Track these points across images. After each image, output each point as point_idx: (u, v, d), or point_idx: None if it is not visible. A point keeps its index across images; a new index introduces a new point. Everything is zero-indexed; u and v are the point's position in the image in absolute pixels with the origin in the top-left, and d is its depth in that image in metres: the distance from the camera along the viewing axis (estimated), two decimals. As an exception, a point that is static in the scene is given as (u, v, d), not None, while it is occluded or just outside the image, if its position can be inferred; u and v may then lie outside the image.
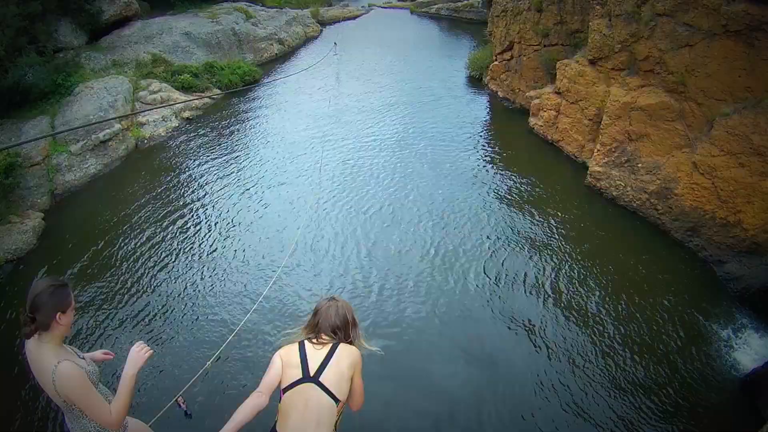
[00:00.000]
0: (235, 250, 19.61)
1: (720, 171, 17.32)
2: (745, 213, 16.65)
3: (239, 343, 15.31)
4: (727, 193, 17.15)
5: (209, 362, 12.88)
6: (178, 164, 25.55)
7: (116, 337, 15.92)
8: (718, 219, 17.50)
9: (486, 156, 25.77)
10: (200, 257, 19.33)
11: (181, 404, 13.33)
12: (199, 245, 19.99)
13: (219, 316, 16.69)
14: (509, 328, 16.04)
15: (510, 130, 27.88)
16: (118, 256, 19.46)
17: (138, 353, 5.80)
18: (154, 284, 18.15)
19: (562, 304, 16.98)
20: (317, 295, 17.10)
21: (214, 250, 19.67)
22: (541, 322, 16.37)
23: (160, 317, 16.77)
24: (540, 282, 17.91)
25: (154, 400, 13.40)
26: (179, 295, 17.64)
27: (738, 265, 16.88)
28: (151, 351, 5.95)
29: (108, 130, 25.33)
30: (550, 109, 25.41)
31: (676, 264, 18.19)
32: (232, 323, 16.00)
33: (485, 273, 18.21)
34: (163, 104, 28.69)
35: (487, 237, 20.07)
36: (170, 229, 20.89)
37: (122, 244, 20.08)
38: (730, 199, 17.07)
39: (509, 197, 22.49)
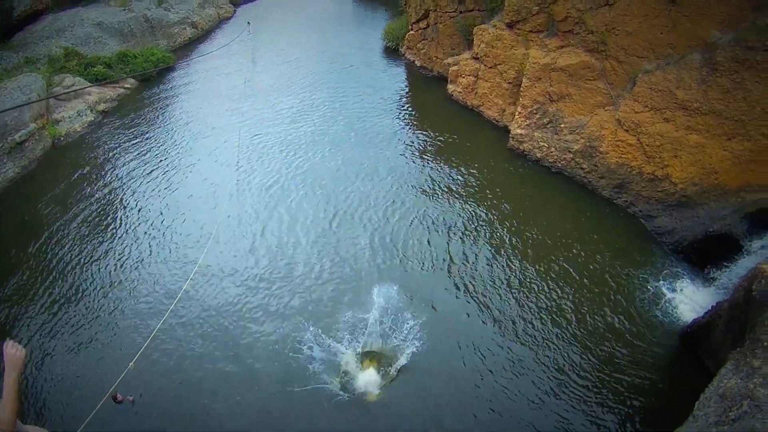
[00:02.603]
0: (156, 243, 18.17)
1: (645, 127, 16.71)
2: (673, 167, 16.11)
3: (165, 333, 14.36)
4: (653, 149, 16.57)
5: (133, 361, 11.66)
6: (97, 159, 23.55)
7: (37, 338, 14.71)
8: (646, 174, 16.93)
9: (406, 124, 24.67)
10: (123, 252, 17.76)
11: (120, 399, 12.59)
12: (122, 240, 18.38)
13: (146, 305, 15.59)
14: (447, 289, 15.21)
15: (429, 98, 26.84)
16: (41, 257, 17.75)
17: (13, 355, 5.16)
18: (77, 284, 16.56)
19: (493, 266, 16.30)
20: (239, 272, 16.21)
21: (139, 243, 18.15)
22: (471, 282, 15.76)
23: (82, 316, 15.38)
24: (467, 246, 17.14)
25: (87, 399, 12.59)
26: (101, 294, 16.16)
27: (669, 218, 16.38)
28: (24, 350, 5.29)
29: (23, 131, 23.15)
30: (469, 75, 24.40)
31: (606, 221, 17.66)
32: (159, 311, 14.96)
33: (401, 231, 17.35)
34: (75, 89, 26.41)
35: (411, 213, 18.99)
36: (93, 224, 19.20)
37: (45, 245, 18.31)
38: (657, 154, 16.50)
39: (432, 165, 21.52)
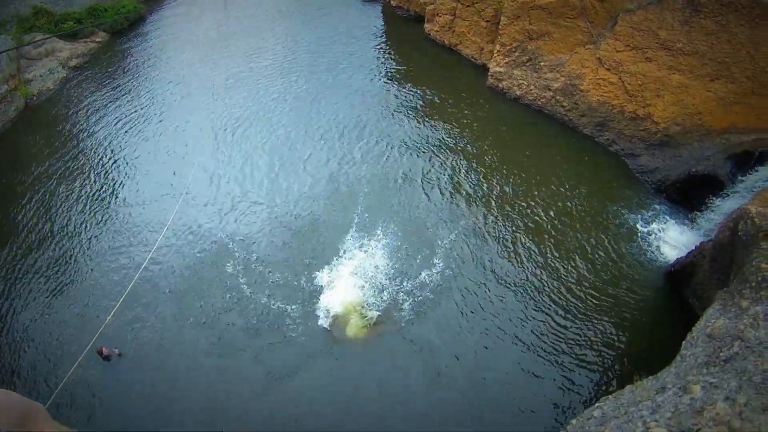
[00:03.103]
0: (136, 190, 18.19)
1: (626, 66, 16.69)
2: (655, 106, 16.20)
3: (144, 283, 14.53)
4: (635, 88, 16.60)
5: (112, 313, 11.69)
6: (71, 116, 22.81)
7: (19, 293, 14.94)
8: (627, 113, 17.01)
9: (383, 65, 24.19)
10: (102, 207, 17.67)
11: (107, 353, 12.88)
12: (100, 193, 18.20)
13: (121, 260, 15.71)
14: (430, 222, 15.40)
15: (406, 38, 26.20)
16: (20, 219, 17.43)
17: None
18: (57, 241, 16.52)
19: (472, 201, 16.60)
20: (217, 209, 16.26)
21: (116, 196, 18.07)
22: (449, 216, 16.16)
23: (62, 273, 15.48)
24: (447, 179, 17.46)
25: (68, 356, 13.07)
26: (80, 250, 16.17)
27: (651, 157, 16.58)
28: None
29: None
30: (446, 14, 23.82)
31: (587, 158, 17.85)
32: (138, 260, 15.25)
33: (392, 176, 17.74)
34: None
35: (389, 141, 19.31)
36: (69, 178, 18.95)
37: (23, 206, 17.95)
38: (639, 93, 16.55)
39: (410, 102, 21.38)
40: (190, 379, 12.58)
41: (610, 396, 8.18)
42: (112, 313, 11.28)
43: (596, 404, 7.98)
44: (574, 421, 7.56)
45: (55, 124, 22.23)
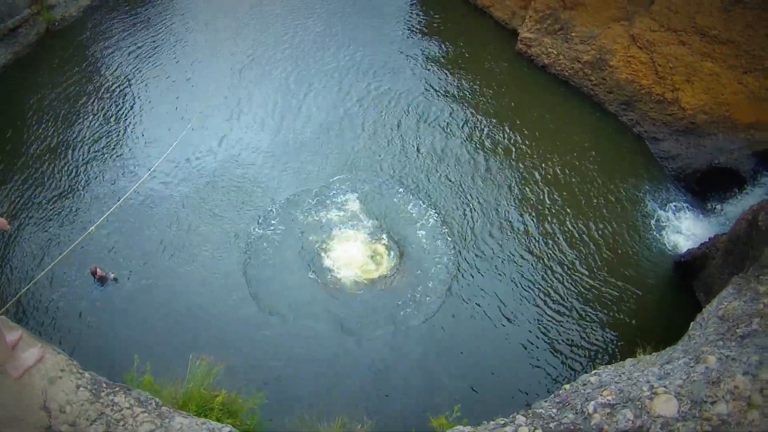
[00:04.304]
0: (148, 120, 18.37)
1: (659, 47, 16.29)
2: (684, 92, 15.89)
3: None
4: (665, 70, 16.25)
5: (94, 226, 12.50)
6: (91, 43, 22.45)
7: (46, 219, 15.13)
8: (655, 95, 16.70)
9: (413, 22, 23.57)
10: (119, 139, 17.74)
11: (102, 274, 13.13)
12: (116, 124, 18.26)
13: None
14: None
15: (438, -2, 25.41)
16: (36, 145, 17.50)
17: None
18: (73, 169, 16.68)
19: (490, 166, 16.57)
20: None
21: (133, 127, 18.12)
22: (465, 178, 16.18)
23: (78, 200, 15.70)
24: (466, 143, 17.35)
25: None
26: (95, 178, 16.38)
27: (674, 143, 16.35)
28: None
29: (17, 17, 21.80)
30: (481, -27, 23.13)
31: (610, 137, 17.67)
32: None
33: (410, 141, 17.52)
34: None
35: (408, 87, 19.36)
36: (88, 109, 18.91)
37: (39, 133, 18.00)
38: (669, 76, 16.22)
39: (437, 61, 20.98)
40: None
41: (608, 366, 8.00)
42: (95, 225, 11.47)
43: (593, 371, 7.76)
44: (567, 386, 7.28)
45: (75, 49, 22.07)
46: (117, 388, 5.69)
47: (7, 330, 5.36)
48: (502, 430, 6.27)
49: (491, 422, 6.58)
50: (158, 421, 5.53)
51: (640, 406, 5.68)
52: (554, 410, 6.43)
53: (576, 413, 6.10)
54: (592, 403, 6.08)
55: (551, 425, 6.10)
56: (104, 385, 5.67)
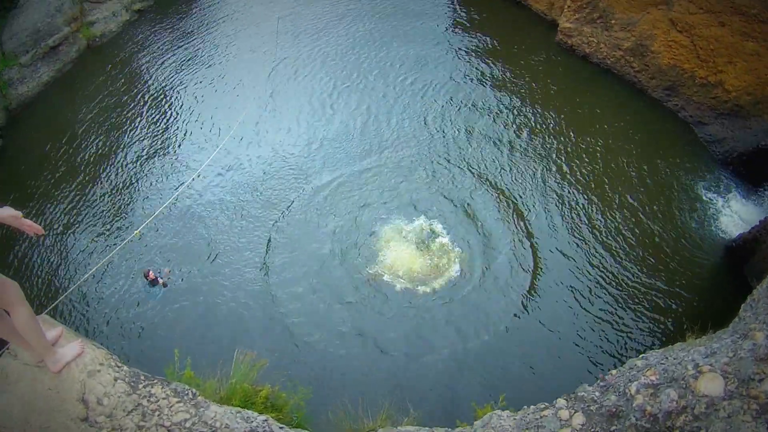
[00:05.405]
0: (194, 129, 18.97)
1: (699, 29, 15.89)
2: (727, 74, 15.47)
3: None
4: (707, 52, 15.83)
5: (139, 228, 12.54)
6: (132, 58, 23.45)
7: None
8: (698, 79, 16.31)
9: (452, 14, 23.69)
10: (165, 150, 18.46)
11: (153, 277, 13.63)
12: (162, 133, 19.06)
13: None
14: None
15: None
16: (81, 160, 18.34)
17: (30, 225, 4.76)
18: (124, 180, 17.45)
19: (537, 157, 16.59)
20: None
21: (177, 135, 18.91)
22: (509, 170, 16.23)
23: (131, 209, 16.46)
24: (511, 134, 17.40)
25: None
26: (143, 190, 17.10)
27: (720, 127, 15.92)
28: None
29: (57, 35, 22.81)
30: (517, -35, 22.99)
31: (656, 123, 17.34)
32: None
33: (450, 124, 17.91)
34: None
35: (453, 91, 19.32)
36: (133, 119, 19.80)
37: (83, 147, 18.88)
38: (711, 59, 15.80)
39: (477, 53, 21.10)
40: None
41: (657, 350, 7.50)
42: (139, 228, 11.95)
43: (640, 356, 7.39)
44: (614, 371, 7.02)
45: (116, 65, 22.94)
46: (155, 381, 6.01)
47: (48, 327, 5.78)
48: (541, 414, 6.32)
49: (531, 406, 6.61)
50: (193, 410, 5.81)
51: (684, 386, 5.57)
52: (597, 393, 6.42)
53: (618, 395, 6.08)
54: (635, 383, 6.02)
55: (592, 408, 6.12)
56: (142, 377, 6.00)
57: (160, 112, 19.81)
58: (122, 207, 16.30)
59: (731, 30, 15.04)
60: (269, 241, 14.84)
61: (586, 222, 14.61)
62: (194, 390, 6.17)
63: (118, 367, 5.97)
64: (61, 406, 5.47)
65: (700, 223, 14.37)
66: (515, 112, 18.07)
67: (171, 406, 5.75)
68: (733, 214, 14.39)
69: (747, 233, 13.23)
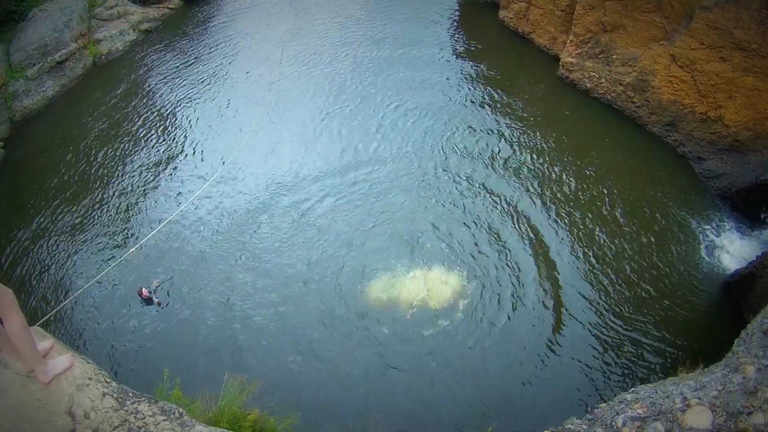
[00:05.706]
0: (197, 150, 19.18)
1: (700, 64, 16.00)
2: (727, 109, 15.54)
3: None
4: (707, 88, 15.93)
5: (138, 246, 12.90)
6: (138, 77, 23.90)
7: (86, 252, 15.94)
8: (698, 114, 16.40)
9: (455, 48, 24.11)
10: (162, 167, 18.66)
11: (147, 295, 13.71)
12: (158, 155, 19.22)
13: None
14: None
15: (480, 24, 25.81)
16: (82, 174, 18.63)
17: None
18: (122, 197, 17.65)
19: (534, 190, 16.57)
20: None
21: (175, 157, 19.04)
22: (513, 199, 16.32)
23: (128, 226, 16.63)
24: (511, 166, 17.51)
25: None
26: (144, 205, 17.34)
27: (719, 162, 15.96)
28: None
29: (64, 51, 23.31)
30: (522, 1, 23.34)
31: (654, 158, 17.38)
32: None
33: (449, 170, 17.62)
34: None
35: (454, 124, 19.47)
36: (132, 140, 20.03)
37: (84, 162, 19.16)
38: (711, 94, 15.90)
39: (479, 86, 21.38)
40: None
41: (648, 385, 7.71)
42: (135, 247, 11.94)
43: (630, 389, 7.55)
44: (603, 405, 7.13)
45: (120, 84, 23.34)
46: (142, 398, 5.98)
47: (39, 339, 5.75)
48: (528, 446, 6.28)
49: (520, 438, 6.59)
50: (179, 429, 5.78)
51: (671, 419, 5.61)
52: (584, 426, 6.40)
53: (605, 428, 6.06)
54: (622, 416, 6.02)
55: (578, 441, 6.06)
56: (130, 394, 5.97)
57: (162, 130, 20.19)
58: (120, 223, 16.51)
59: (732, 65, 15.16)
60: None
61: (581, 256, 14.58)
62: (181, 409, 6.13)
63: (107, 382, 5.93)
64: (48, 417, 5.42)
65: (696, 258, 14.30)
66: (514, 148, 18.28)
67: (157, 424, 5.72)
68: (730, 250, 14.31)
69: (744, 269, 13.16)
